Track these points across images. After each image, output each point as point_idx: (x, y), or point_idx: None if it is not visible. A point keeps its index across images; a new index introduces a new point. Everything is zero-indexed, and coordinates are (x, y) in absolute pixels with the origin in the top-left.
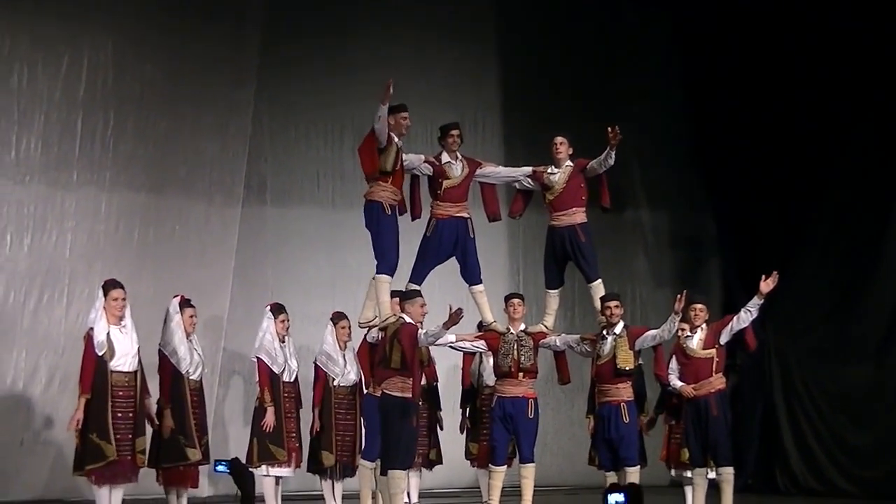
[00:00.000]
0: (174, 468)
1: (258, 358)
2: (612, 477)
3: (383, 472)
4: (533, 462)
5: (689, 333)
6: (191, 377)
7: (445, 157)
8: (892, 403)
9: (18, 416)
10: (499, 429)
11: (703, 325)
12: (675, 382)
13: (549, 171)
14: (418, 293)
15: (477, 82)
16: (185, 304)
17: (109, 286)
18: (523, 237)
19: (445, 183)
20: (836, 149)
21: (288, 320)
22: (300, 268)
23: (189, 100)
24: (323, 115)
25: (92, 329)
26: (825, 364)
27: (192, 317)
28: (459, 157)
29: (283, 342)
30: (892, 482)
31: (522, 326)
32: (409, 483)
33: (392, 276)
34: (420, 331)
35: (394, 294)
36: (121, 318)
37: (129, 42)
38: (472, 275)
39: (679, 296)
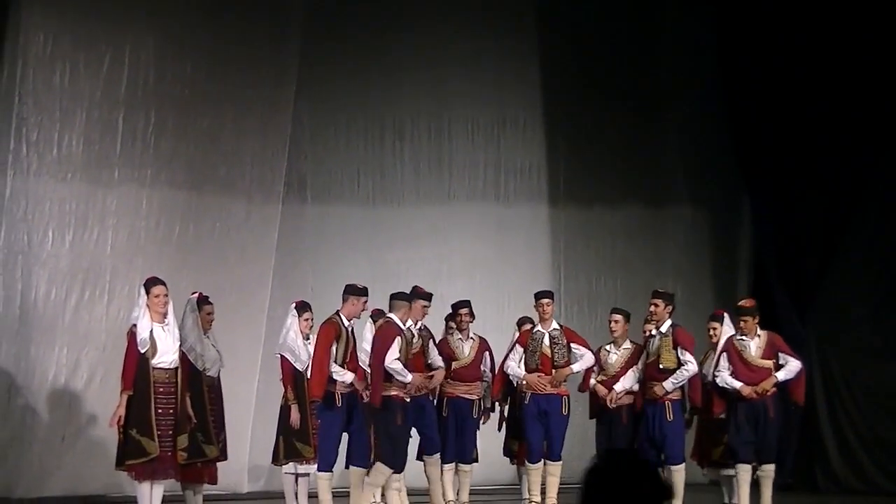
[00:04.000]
0: (192, 465)
1: (281, 355)
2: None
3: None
4: (560, 460)
5: (742, 336)
6: (208, 374)
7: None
8: None
9: (59, 412)
10: (533, 426)
11: (760, 330)
12: (734, 382)
13: (605, 348)
14: (364, 292)
15: (519, 81)
16: (202, 300)
17: (151, 283)
18: (565, 232)
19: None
20: (880, 141)
21: (312, 318)
22: (340, 266)
23: (229, 98)
24: (363, 112)
25: (135, 326)
26: (867, 361)
27: (209, 314)
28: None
29: (308, 339)
30: None
31: (555, 325)
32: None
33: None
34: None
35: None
36: (164, 316)
37: (170, 41)
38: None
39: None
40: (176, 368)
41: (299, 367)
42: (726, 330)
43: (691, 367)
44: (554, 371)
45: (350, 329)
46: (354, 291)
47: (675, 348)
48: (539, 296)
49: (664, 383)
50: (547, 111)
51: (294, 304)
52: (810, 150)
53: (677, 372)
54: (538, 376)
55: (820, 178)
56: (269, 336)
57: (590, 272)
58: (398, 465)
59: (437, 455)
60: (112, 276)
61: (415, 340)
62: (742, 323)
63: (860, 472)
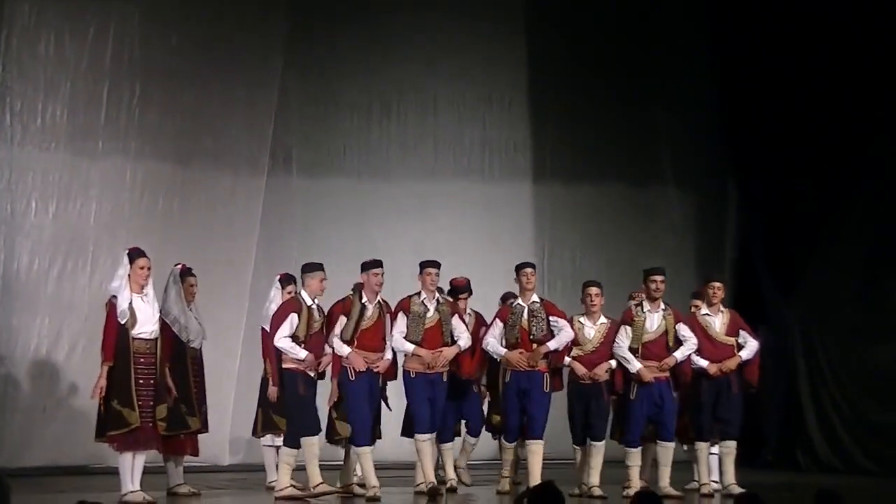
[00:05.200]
0: (174, 436)
1: (263, 328)
2: (636, 454)
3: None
4: (542, 439)
5: (706, 312)
6: (191, 345)
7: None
8: None
9: (41, 383)
10: (513, 405)
11: (722, 307)
12: (700, 361)
13: (579, 320)
14: (320, 267)
15: (506, 58)
16: (185, 272)
17: (136, 255)
18: (550, 210)
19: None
20: (868, 128)
21: (296, 291)
22: (325, 240)
23: (216, 71)
24: (350, 87)
25: (115, 297)
26: (849, 343)
27: (192, 286)
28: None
29: None
30: None
31: (535, 298)
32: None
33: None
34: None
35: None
36: (143, 287)
37: (157, 12)
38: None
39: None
40: (156, 339)
41: None
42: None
43: (693, 341)
44: (534, 347)
45: (315, 307)
46: (307, 269)
47: (675, 326)
48: (521, 266)
49: (676, 353)
50: (534, 89)
51: (278, 277)
52: (798, 133)
53: (683, 346)
54: (519, 353)
55: (807, 160)
56: (253, 309)
57: (574, 250)
58: (308, 430)
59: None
60: (95, 248)
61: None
62: (711, 291)
63: (841, 451)
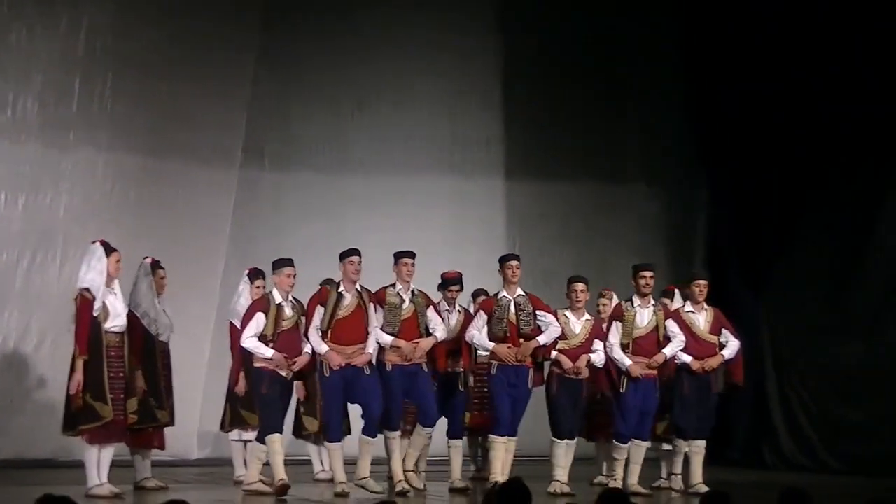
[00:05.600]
0: (143, 430)
1: (231, 322)
2: (624, 449)
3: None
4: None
5: (690, 309)
6: (160, 339)
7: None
8: (883, 381)
9: (9, 376)
10: (504, 398)
11: (706, 305)
12: (684, 357)
13: (565, 314)
14: (288, 262)
15: (480, 54)
16: (155, 265)
17: (112, 249)
18: (521, 206)
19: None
20: (833, 125)
21: (264, 287)
22: (297, 233)
23: (189, 63)
24: (323, 81)
25: (87, 290)
26: (818, 340)
27: (162, 279)
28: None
29: None
30: (881, 459)
31: (520, 291)
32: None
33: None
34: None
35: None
36: (113, 280)
37: (130, 5)
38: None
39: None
40: (125, 332)
41: None
42: (676, 306)
43: (681, 338)
44: (521, 341)
45: (288, 304)
46: (275, 266)
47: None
48: (507, 258)
49: (665, 350)
50: (506, 85)
51: (247, 272)
52: (768, 131)
53: (672, 343)
54: (507, 347)
55: (777, 157)
56: (223, 303)
57: (544, 246)
58: (271, 429)
59: (430, 428)
60: (65, 240)
61: (347, 304)
62: (697, 289)
63: (808, 449)
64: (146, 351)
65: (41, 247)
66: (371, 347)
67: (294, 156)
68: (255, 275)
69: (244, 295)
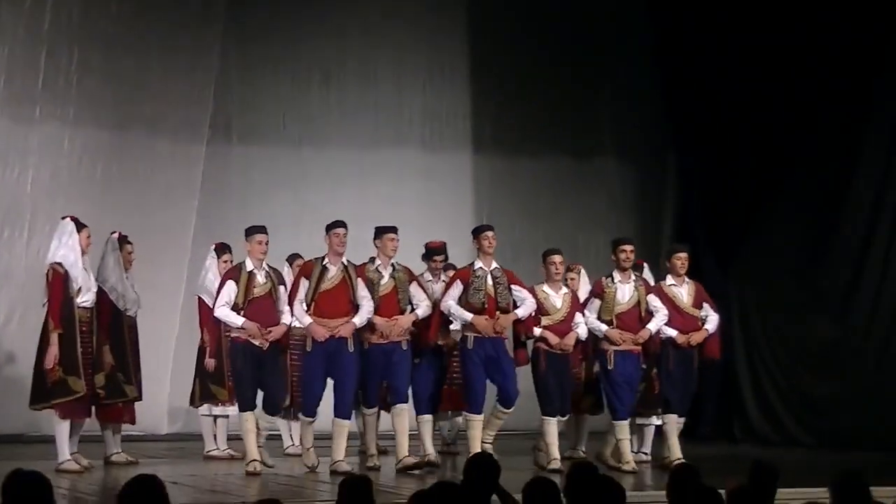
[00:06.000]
0: (112, 405)
1: (199, 297)
2: (624, 427)
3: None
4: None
5: (672, 282)
6: (127, 314)
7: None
8: (852, 356)
9: None
10: (479, 373)
11: (687, 278)
12: (669, 331)
13: (543, 289)
14: (259, 229)
15: (448, 28)
16: (122, 240)
17: (82, 225)
18: (489, 181)
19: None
20: (804, 102)
21: (231, 261)
22: (264, 207)
23: (156, 37)
24: (291, 55)
25: (59, 264)
26: (786, 316)
27: (130, 253)
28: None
29: None
30: (847, 433)
31: (495, 264)
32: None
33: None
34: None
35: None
36: (84, 255)
37: None
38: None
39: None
40: (93, 307)
41: None
42: (644, 281)
43: (664, 312)
44: (498, 314)
45: (261, 272)
46: (247, 233)
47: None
48: (482, 229)
49: (649, 325)
50: (475, 59)
51: (213, 246)
52: (739, 108)
53: (655, 317)
54: (485, 318)
55: (747, 134)
56: (191, 277)
57: (513, 221)
58: (242, 405)
59: (403, 405)
60: (32, 215)
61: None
62: (679, 262)
63: (777, 423)
64: (114, 326)
65: (8, 222)
66: (359, 319)
67: (261, 129)
68: (221, 249)
69: (212, 270)
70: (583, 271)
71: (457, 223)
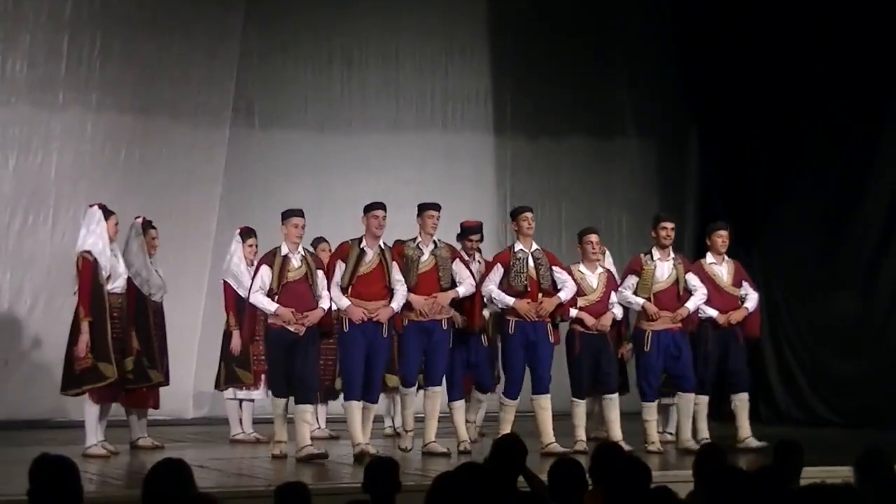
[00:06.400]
0: (137, 389)
1: (224, 281)
2: (652, 408)
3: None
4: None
5: (713, 261)
6: (153, 299)
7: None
8: (875, 335)
9: (3, 338)
10: (519, 359)
11: (727, 257)
12: (709, 310)
13: (579, 269)
14: (296, 213)
15: (468, 9)
16: (147, 225)
17: (110, 212)
18: (511, 162)
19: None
20: (826, 81)
21: (256, 245)
22: (286, 191)
23: (178, 22)
24: (312, 39)
25: (88, 252)
26: (811, 294)
27: (153, 238)
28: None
29: (252, 266)
30: (873, 412)
31: (535, 245)
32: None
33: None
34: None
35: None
36: (112, 242)
37: None
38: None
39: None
40: (125, 293)
41: (242, 293)
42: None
43: (703, 291)
44: (541, 298)
45: (296, 256)
46: (283, 217)
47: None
48: (520, 210)
49: (687, 304)
50: (495, 41)
51: (238, 231)
52: (760, 85)
53: (694, 296)
54: (527, 302)
55: (769, 111)
56: (215, 262)
57: (535, 201)
58: (273, 392)
59: (437, 388)
60: (56, 201)
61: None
62: (720, 239)
63: (802, 403)
64: (139, 311)
65: (32, 208)
66: (396, 304)
67: (283, 113)
68: (246, 233)
69: (237, 254)
70: (608, 252)
71: (479, 204)
